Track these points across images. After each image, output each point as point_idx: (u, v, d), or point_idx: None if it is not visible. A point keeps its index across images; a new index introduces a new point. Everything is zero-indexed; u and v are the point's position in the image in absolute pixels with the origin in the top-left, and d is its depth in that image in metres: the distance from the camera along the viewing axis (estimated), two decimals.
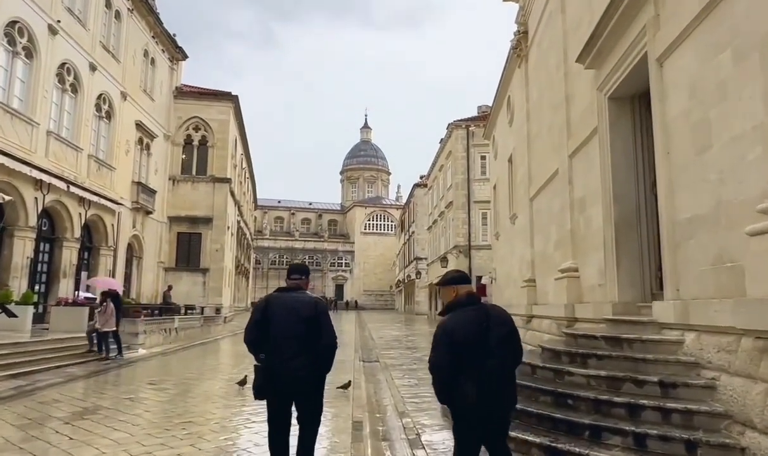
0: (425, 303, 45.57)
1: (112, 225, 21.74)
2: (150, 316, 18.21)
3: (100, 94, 20.95)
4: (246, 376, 8.89)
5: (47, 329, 13.52)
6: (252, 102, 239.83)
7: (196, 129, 29.57)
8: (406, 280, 57.63)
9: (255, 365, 3.77)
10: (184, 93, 29.54)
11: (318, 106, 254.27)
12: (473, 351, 3.03)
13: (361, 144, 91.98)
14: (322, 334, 3.78)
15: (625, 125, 7.50)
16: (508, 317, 3.33)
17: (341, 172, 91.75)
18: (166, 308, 19.27)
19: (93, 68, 20.08)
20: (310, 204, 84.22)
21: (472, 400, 2.96)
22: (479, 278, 28.14)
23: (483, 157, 30.08)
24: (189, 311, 20.56)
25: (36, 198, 16.29)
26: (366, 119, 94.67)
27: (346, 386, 8.30)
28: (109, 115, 21.90)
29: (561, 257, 10.20)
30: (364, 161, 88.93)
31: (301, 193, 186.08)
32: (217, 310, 25.82)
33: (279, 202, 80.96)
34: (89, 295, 19.67)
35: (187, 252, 28.37)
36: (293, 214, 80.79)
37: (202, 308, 22.93)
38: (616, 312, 7.04)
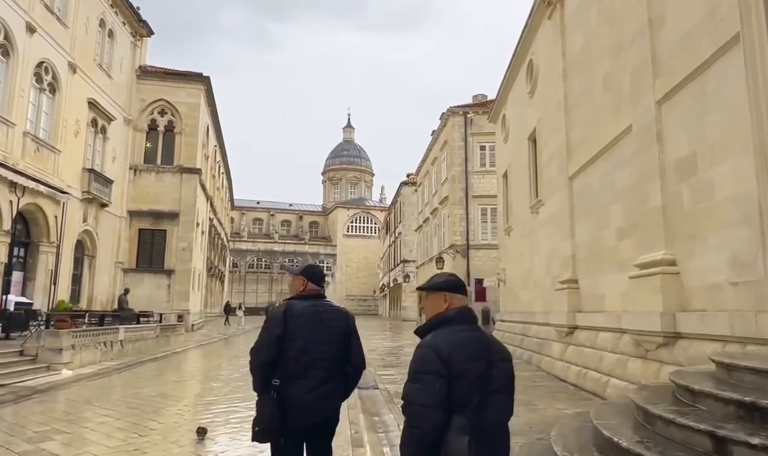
0: (413, 309, 42.66)
1: (56, 217, 18.45)
2: (99, 324, 15.00)
3: (41, 62, 17.70)
4: (203, 427, 5.90)
5: None
6: (237, 103, 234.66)
7: (162, 113, 26.26)
8: (391, 284, 54.66)
9: (260, 399, 2.76)
10: (148, 73, 26.22)
11: (300, 107, 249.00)
12: (473, 389, 1.94)
13: (343, 144, 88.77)
14: (351, 352, 2.98)
15: None
16: (507, 351, 2.21)
17: (323, 173, 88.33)
18: (114, 315, 15.98)
19: (31, 30, 16.85)
20: (291, 205, 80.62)
21: None
22: (480, 281, 25.38)
23: (482, 148, 27.21)
24: (143, 319, 17.23)
25: None
26: (349, 118, 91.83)
27: None
28: (53, 88, 18.64)
29: (633, 248, 7.45)
30: (346, 161, 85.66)
31: (281, 194, 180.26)
32: (180, 318, 22.45)
33: (258, 202, 77.31)
34: (22, 299, 16.36)
35: (150, 251, 25.01)
36: (273, 215, 77.13)
37: (161, 315, 19.61)
38: None
